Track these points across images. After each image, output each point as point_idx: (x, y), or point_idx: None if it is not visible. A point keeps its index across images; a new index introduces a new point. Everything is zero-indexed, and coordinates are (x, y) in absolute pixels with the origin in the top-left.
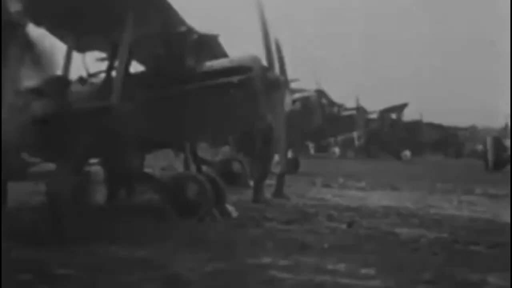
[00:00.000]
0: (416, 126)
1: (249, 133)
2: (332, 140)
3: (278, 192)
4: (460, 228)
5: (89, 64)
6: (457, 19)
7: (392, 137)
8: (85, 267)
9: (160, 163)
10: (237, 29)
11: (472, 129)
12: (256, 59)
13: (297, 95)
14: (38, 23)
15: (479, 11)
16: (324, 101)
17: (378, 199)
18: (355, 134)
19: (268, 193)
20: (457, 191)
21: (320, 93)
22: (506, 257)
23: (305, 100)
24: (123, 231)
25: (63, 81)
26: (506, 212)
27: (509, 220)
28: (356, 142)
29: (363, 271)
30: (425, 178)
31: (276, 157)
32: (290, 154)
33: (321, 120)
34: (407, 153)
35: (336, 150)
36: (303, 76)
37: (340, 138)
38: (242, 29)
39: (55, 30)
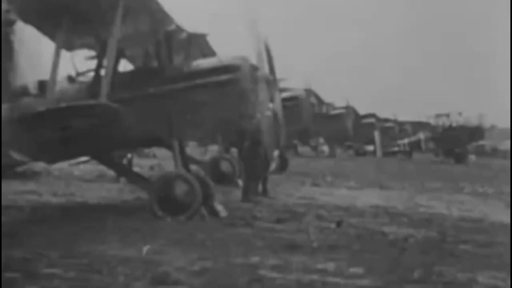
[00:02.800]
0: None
1: (239, 132)
2: (321, 138)
3: (262, 191)
4: (449, 227)
5: (77, 62)
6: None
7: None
8: (73, 266)
9: (148, 162)
10: (227, 28)
11: None
12: (244, 58)
13: (286, 94)
14: (26, 21)
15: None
16: (313, 100)
17: (367, 198)
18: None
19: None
20: (446, 189)
21: (309, 92)
22: (495, 256)
23: (294, 99)
24: (112, 230)
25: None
26: (494, 211)
27: (498, 219)
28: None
29: (352, 270)
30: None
31: None
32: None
33: (311, 119)
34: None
35: (325, 148)
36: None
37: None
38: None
39: (44, 28)
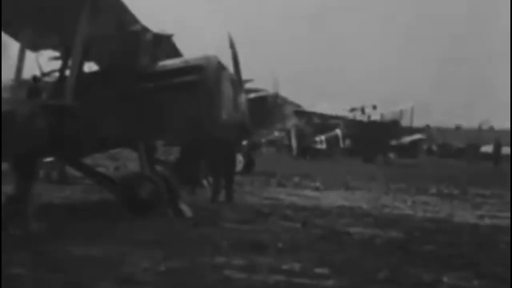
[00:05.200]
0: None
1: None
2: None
3: (226, 198)
4: (414, 228)
5: (42, 63)
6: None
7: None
8: (40, 266)
9: (114, 162)
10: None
11: (427, 130)
12: (209, 59)
13: (253, 95)
14: None
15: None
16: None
17: (333, 198)
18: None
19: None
20: (411, 191)
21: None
22: (460, 257)
23: (261, 100)
24: (78, 230)
25: None
26: (459, 212)
27: (463, 220)
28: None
29: (318, 270)
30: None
31: None
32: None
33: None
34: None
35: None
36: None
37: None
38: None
39: (9, 28)
